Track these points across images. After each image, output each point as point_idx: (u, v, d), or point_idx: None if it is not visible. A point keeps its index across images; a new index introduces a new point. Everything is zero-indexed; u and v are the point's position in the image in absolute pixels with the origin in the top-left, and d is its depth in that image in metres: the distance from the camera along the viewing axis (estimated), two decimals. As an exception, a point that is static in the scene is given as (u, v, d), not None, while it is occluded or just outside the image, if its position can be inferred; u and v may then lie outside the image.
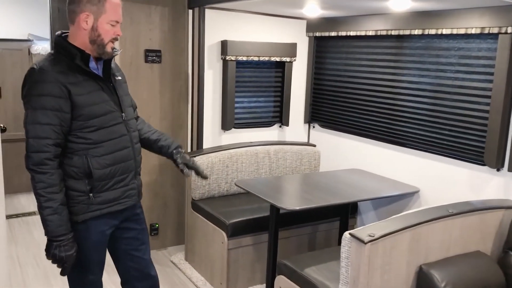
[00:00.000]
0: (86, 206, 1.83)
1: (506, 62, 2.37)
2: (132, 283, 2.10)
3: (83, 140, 1.79)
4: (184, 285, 3.12)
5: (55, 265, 1.81)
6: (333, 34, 3.42)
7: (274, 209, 2.64)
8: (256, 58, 3.44)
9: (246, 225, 2.94)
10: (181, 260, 3.42)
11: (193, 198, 3.24)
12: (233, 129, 3.45)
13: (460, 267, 2.08)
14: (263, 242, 3.03)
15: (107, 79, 1.88)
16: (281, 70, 3.63)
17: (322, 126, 3.72)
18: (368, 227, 1.97)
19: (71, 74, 1.76)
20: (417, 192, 2.94)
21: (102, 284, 2.05)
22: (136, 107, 2.12)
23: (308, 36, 3.68)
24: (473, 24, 2.50)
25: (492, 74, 2.47)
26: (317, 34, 3.58)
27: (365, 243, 1.86)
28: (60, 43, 1.80)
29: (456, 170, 2.73)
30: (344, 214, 3.07)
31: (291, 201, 2.53)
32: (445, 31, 2.64)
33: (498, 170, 2.52)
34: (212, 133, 3.40)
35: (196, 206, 3.20)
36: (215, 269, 3.03)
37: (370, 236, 1.89)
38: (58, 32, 1.86)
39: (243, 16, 3.40)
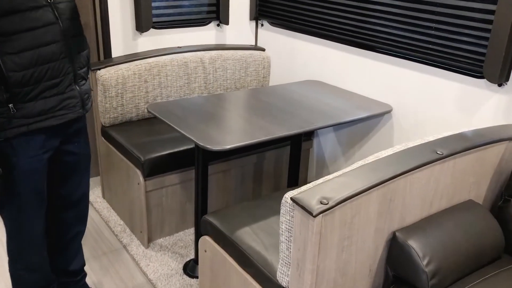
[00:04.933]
0: (7, 121, 1.43)
1: None
2: (57, 214, 1.78)
3: None
4: (98, 231, 2.50)
5: None
6: None
7: (200, 148, 1.95)
8: None
9: (168, 161, 2.26)
10: (98, 197, 2.77)
11: (103, 124, 2.49)
12: (152, 30, 2.59)
13: (446, 229, 1.49)
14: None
15: None
16: None
17: (273, 24, 2.90)
18: (320, 186, 1.31)
19: None
20: (389, 112, 2.28)
21: (43, 223, 1.67)
22: None
23: None
24: None
25: None
26: None
27: (314, 216, 1.21)
28: None
29: (443, 84, 2.05)
30: (296, 140, 2.41)
31: (221, 136, 1.83)
32: None
33: (500, 85, 1.85)
34: (124, 36, 2.53)
35: (107, 134, 2.46)
36: (134, 215, 2.39)
37: (322, 204, 1.23)
38: None
39: None
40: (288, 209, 1.30)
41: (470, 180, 1.65)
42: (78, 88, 1.58)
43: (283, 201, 1.31)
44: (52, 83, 1.48)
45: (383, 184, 1.35)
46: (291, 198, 1.27)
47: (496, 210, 1.71)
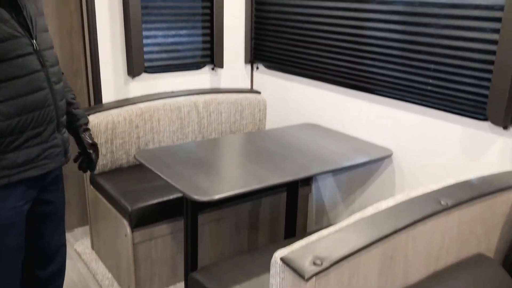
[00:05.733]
0: None
1: (529, -35, 1.54)
2: (34, 272, 1.66)
3: None
4: (85, 285, 2.35)
5: None
6: None
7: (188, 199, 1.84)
8: (171, -26, 2.48)
9: (157, 210, 2.14)
10: (87, 248, 2.63)
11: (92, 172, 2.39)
12: (144, 74, 2.54)
13: (456, 288, 1.35)
14: (186, 228, 2.25)
15: None
16: (210, -9, 2.69)
17: (268, 67, 2.85)
18: (313, 244, 1.18)
19: None
20: (389, 156, 2.18)
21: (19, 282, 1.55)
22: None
23: None
24: None
25: (505, -16, 1.64)
26: None
27: (306, 280, 1.09)
28: None
29: (444, 127, 1.95)
30: (292, 187, 2.29)
31: (210, 184, 1.72)
32: None
33: (505, 128, 1.76)
34: (115, 81, 2.47)
35: (95, 182, 2.36)
36: (121, 268, 2.25)
37: (315, 264, 1.11)
38: None
39: None
40: (278, 270, 1.17)
41: (479, 232, 1.52)
42: (61, 136, 1.53)
43: (272, 261, 1.19)
44: (36, 132, 1.43)
45: (383, 240, 1.23)
46: (281, 259, 1.15)
47: (509, 264, 1.57)
